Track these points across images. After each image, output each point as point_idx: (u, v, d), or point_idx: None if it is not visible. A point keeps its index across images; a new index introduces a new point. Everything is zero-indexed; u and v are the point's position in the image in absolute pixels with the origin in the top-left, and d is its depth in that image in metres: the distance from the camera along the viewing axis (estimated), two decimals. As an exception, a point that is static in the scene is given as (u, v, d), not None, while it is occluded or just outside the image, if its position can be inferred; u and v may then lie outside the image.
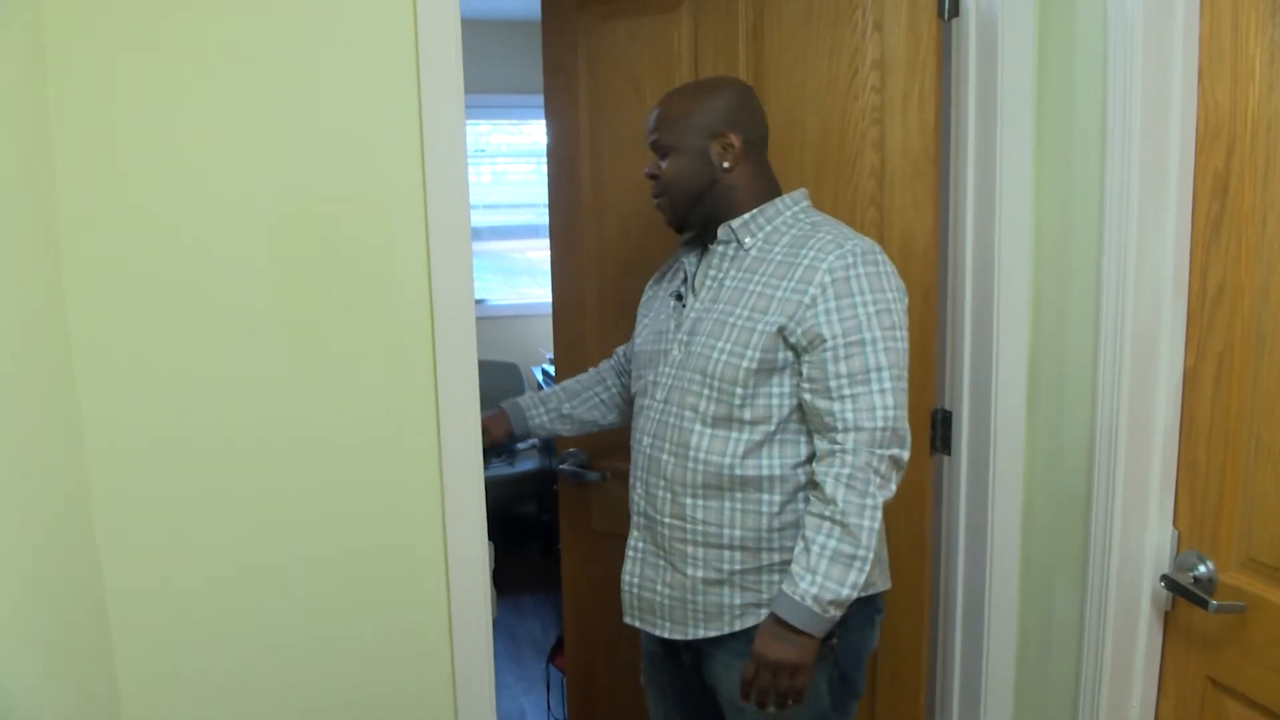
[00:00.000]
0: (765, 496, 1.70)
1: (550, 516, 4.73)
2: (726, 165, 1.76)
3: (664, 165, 1.80)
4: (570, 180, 2.43)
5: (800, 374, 1.67)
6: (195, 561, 1.68)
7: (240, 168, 1.62)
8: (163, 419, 1.63)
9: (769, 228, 1.76)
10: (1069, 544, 1.88)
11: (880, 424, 1.60)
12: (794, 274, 1.67)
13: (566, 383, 2.22)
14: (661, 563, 1.81)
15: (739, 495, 1.71)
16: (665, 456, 1.77)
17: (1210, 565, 1.62)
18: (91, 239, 1.56)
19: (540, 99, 2.47)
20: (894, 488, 1.64)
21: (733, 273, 1.76)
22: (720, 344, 1.70)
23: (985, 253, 1.99)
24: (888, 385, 1.62)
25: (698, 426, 1.72)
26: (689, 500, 1.74)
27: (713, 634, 1.76)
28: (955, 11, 1.98)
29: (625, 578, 1.88)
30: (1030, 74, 1.92)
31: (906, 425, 1.65)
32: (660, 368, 1.81)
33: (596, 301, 2.45)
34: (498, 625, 3.50)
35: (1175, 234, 1.64)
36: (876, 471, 1.60)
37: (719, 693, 1.82)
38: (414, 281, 1.72)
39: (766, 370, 1.67)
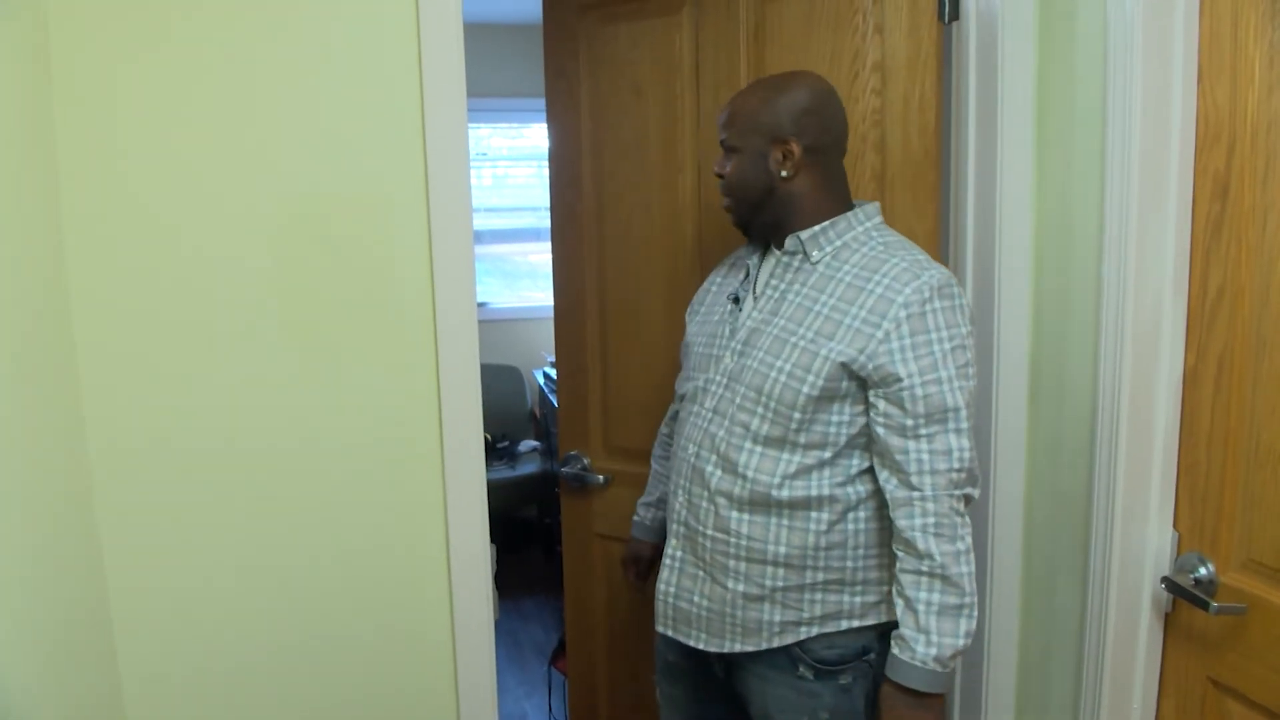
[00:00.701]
0: (814, 514, 1.65)
1: (552, 519, 4.74)
2: (785, 174, 1.69)
3: (728, 165, 1.75)
4: (572, 184, 2.44)
5: (873, 407, 1.61)
6: (197, 562, 1.69)
7: (243, 169, 1.63)
8: (165, 419, 1.64)
9: (838, 243, 1.69)
10: (1070, 545, 1.88)
11: (956, 465, 1.57)
12: (865, 301, 1.60)
13: (658, 465, 2.15)
14: (700, 574, 1.75)
15: (785, 513, 1.66)
16: (710, 469, 1.72)
17: (1211, 567, 1.62)
18: (94, 239, 1.57)
19: (541, 102, 2.47)
20: (970, 527, 1.60)
21: (796, 286, 1.70)
22: (779, 363, 1.64)
23: (986, 255, 2.00)
24: (964, 426, 1.58)
25: (748, 444, 1.67)
26: (734, 514, 1.69)
27: (750, 649, 1.72)
28: (955, 15, 1.98)
29: (661, 586, 1.82)
30: (1030, 76, 1.92)
31: (977, 464, 1.61)
32: (711, 374, 1.76)
33: (598, 305, 2.45)
34: (500, 628, 3.50)
35: (1175, 236, 1.64)
36: (958, 513, 1.57)
37: (750, 704, 1.78)
38: (416, 284, 1.73)
39: (827, 398, 1.62)
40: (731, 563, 1.70)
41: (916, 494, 1.57)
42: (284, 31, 1.62)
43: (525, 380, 5.35)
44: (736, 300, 1.79)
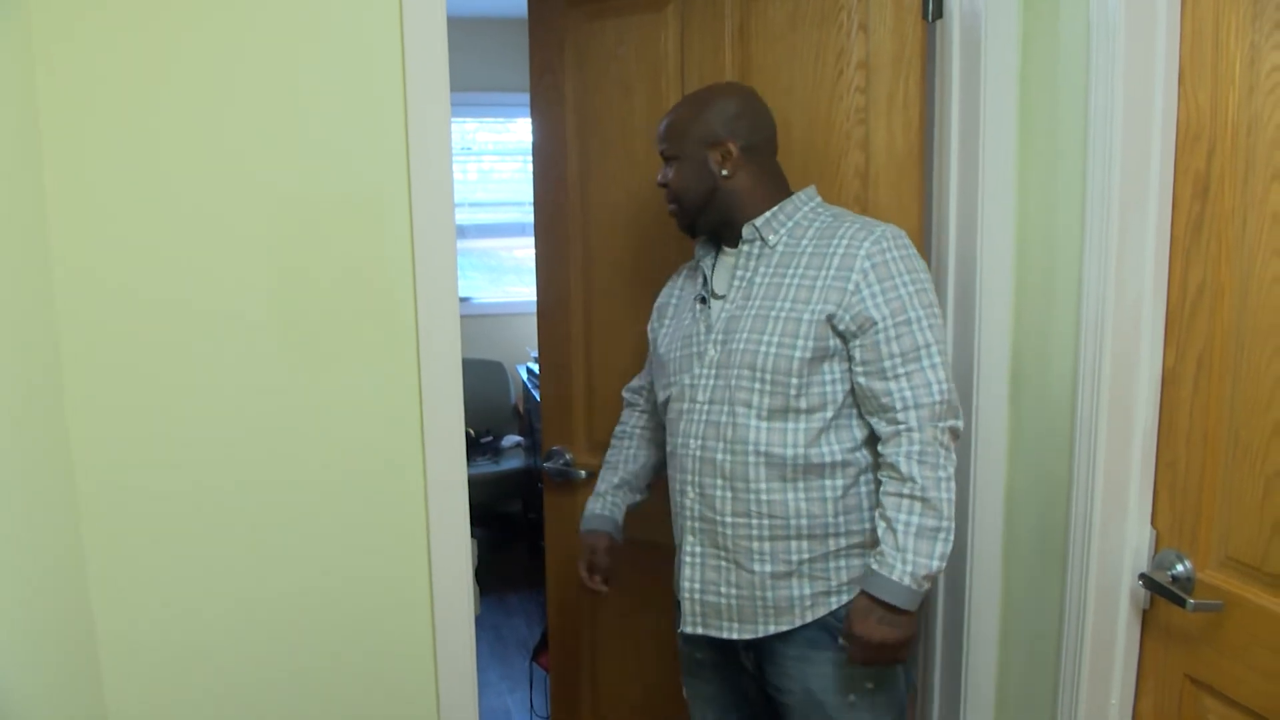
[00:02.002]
0: (828, 482, 1.73)
1: (536, 514, 4.73)
2: (725, 173, 1.80)
3: (670, 173, 1.85)
4: (557, 180, 2.44)
5: (851, 359, 1.71)
6: (182, 555, 1.68)
7: (223, 167, 1.62)
8: (148, 419, 1.63)
9: (790, 224, 1.80)
10: (1050, 542, 1.89)
11: (938, 398, 1.66)
12: (831, 262, 1.71)
13: (609, 457, 2.18)
14: (724, 563, 1.80)
15: (801, 484, 1.73)
16: (720, 455, 1.77)
17: (1188, 564, 1.63)
18: (77, 243, 1.56)
19: (528, 97, 2.47)
20: (954, 456, 1.69)
21: (762, 270, 1.79)
22: (766, 337, 1.72)
23: (968, 251, 2.00)
24: (937, 360, 1.68)
25: (753, 421, 1.73)
26: (751, 495, 1.74)
27: (784, 628, 1.77)
28: (939, 13, 1.99)
29: (685, 584, 1.85)
30: (1014, 75, 1.93)
31: (955, 396, 1.70)
32: (696, 370, 1.82)
33: (582, 301, 2.45)
34: (484, 624, 3.49)
35: (1156, 235, 1.65)
36: (942, 444, 1.66)
37: (788, 691, 1.81)
38: (398, 281, 1.72)
39: (818, 358, 1.70)
40: (755, 544, 1.75)
41: (903, 426, 1.66)
42: (265, 27, 1.61)
43: (509, 375, 5.35)
44: (704, 300, 1.87)
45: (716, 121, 1.81)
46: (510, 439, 5.13)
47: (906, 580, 1.62)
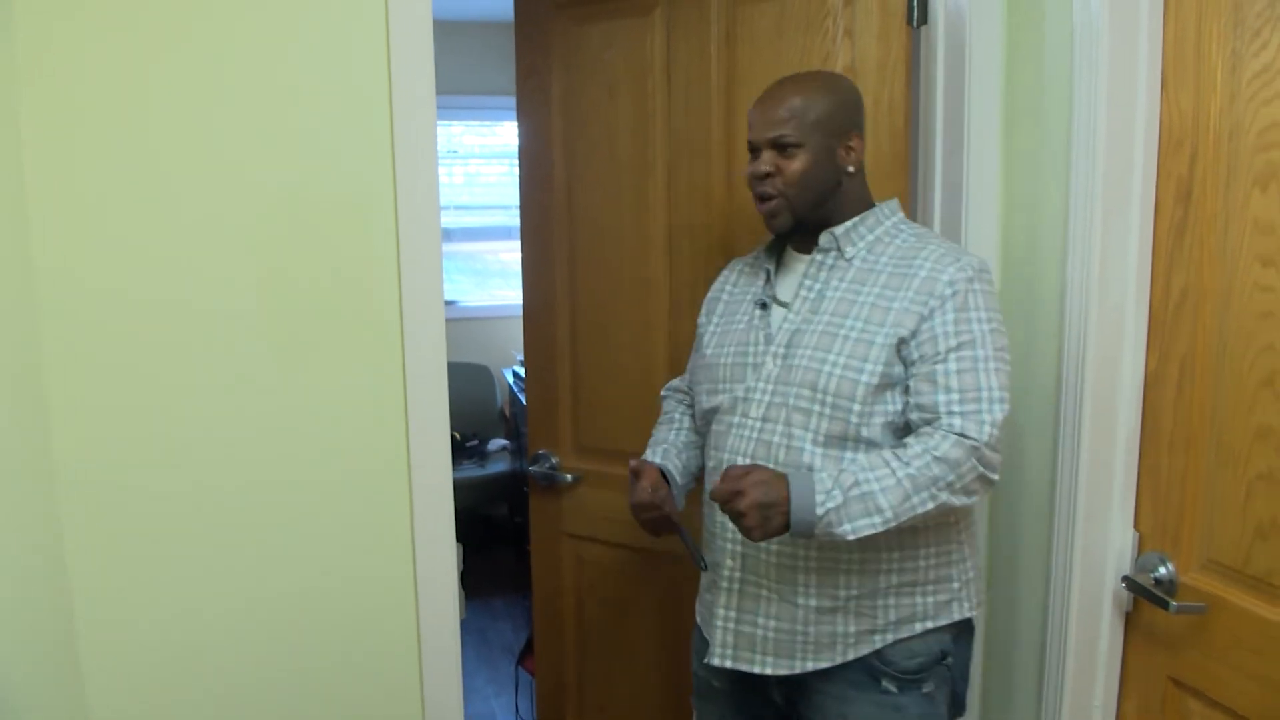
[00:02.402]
0: None
1: (522, 518, 4.72)
2: (851, 170, 1.68)
3: (789, 163, 1.65)
4: (542, 183, 2.44)
5: (907, 389, 1.58)
6: (164, 557, 1.67)
7: (210, 169, 1.62)
8: (132, 419, 1.63)
9: (870, 237, 1.68)
10: (1033, 544, 1.90)
11: (985, 439, 1.50)
12: (911, 284, 1.59)
13: (653, 438, 1.96)
14: (765, 593, 1.66)
15: None
16: None
17: (1171, 566, 1.64)
18: (61, 243, 1.55)
19: (514, 100, 2.47)
20: (966, 503, 1.54)
21: (834, 283, 1.66)
22: (832, 357, 1.59)
23: (953, 257, 2.01)
24: (996, 407, 1.53)
25: (809, 446, 1.60)
26: None
27: (823, 665, 1.64)
28: (924, 19, 2.00)
29: (720, 612, 1.70)
30: (998, 81, 1.94)
31: (999, 452, 1.54)
32: (751, 382, 1.68)
33: (568, 304, 2.45)
34: (470, 628, 3.49)
35: (1139, 239, 1.67)
36: (961, 477, 1.50)
37: None
38: (383, 282, 1.72)
39: (884, 385, 1.57)
40: (801, 576, 1.63)
41: (942, 431, 1.52)
42: (251, 29, 1.61)
43: (495, 379, 5.34)
44: (764, 306, 1.73)
45: (849, 110, 1.68)
46: (496, 443, 5.13)
47: (821, 513, 1.47)
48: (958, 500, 1.52)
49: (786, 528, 1.49)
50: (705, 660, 1.73)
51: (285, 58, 1.64)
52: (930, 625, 1.64)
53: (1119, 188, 1.67)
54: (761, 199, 1.68)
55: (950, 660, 1.67)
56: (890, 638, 1.63)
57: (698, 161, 2.22)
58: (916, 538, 1.62)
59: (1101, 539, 1.73)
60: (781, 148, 1.65)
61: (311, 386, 1.71)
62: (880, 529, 1.48)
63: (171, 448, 1.65)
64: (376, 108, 1.67)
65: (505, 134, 5.45)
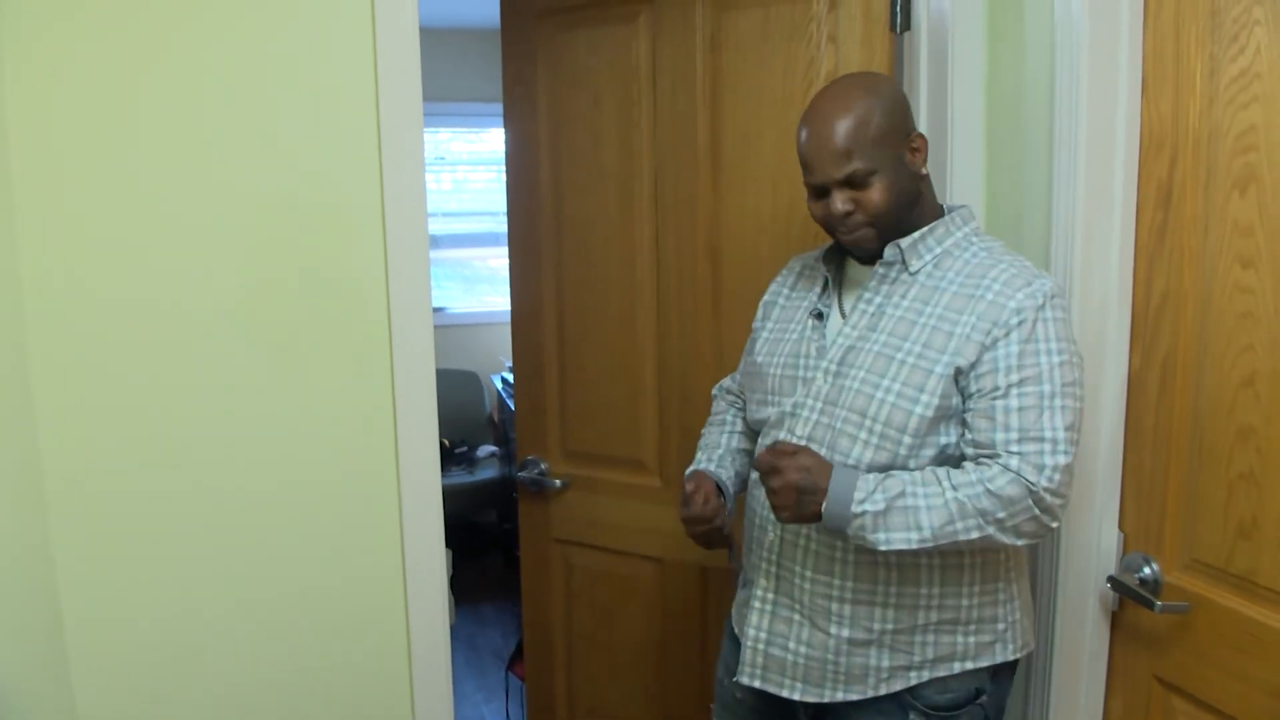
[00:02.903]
0: (924, 557, 1.52)
1: (511, 524, 4.72)
2: (924, 171, 1.57)
3: (866, 193, 1.51)
4: (529, 189, 2.44)
5: (964, 423, 1.48)
6: (151, 561, 1.67)
7: (198, 175, 1.62)
8: (121, 424, 1.62)
9: (939, 249, 1.56)
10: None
11: (1044, 484, 1.40)
12: (976, 308, 1.47)
13: (704, 441, 1.89)
14: (797, 618, 1.59)
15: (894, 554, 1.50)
16: None
17: (1155, 567, 1.65)
18: (48, 248, 1.55)
19: (500, 107, 2.48)
20: (1015, 543, 1.45)
21: (896, 299, 1.55)
22: (886, 382, 1.49)
23: (938, 261, 2.02)
24: (1060, 449, 1.41)
25: None
26: (839, 555, 1.54)
27: (854, 698, 1.57)
28: (907, 25, 2.01)
29: (750, 631, 1.64)
30: (980, 86, 1.96)
31: (1069, 497, 1.45)
32: (801, 398, 1.59)
33: (556, 310, 2.45)
34: (458, 634, 3.49)
35: (1121, 242, 1.68)
36: (1014, 517, 1.41)
37: None
38: (372, 290, 1.72)
39: (939, 418, 1.48)
40: (835, 605, 1.56)
41: (1006, 469, 1.42)
42: (238, 35, 1.61)
43: (484, 385, 5.34)
44: (820, 316, 1.64)
45: (900, 115, 1.55)
46: (485, 449, 5.13)
47: (859, 514, 1.40)
48: (1006, 539, 1.43)
49: (819, 517, 1.44)
50: (735, 679, 1.67)
51: (272, 64, 1.64)
52: (970, 666, 1.56)
53: (1100, 191, 1.68)
54: (848, 232, 1.56)
55: (985, 699, 1.58)
56: (926, 675, 1.56)
57: (684, 167, 2.23)
58: (961, 574, 1.54)
59: (1087, 540, 1.74)
60: (856, 181, 1.52)
61: (301, 393, 1.71)
62: (916, 546, 1.41)
63: (159, 452, 1.65)
64: (363, 114, 1.68)
65: (492, 140, 5.45)
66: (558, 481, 2.49)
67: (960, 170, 1.97)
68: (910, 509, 1.41)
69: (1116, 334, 1.70)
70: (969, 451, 1.47)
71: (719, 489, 1.74)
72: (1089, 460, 1.72)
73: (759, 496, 1.64)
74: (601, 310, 2.38)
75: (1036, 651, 1.83)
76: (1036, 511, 1.41)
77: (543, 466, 2.53)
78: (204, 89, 1.61)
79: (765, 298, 1.81)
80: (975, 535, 1.41)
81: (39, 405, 1.58)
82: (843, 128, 1.50)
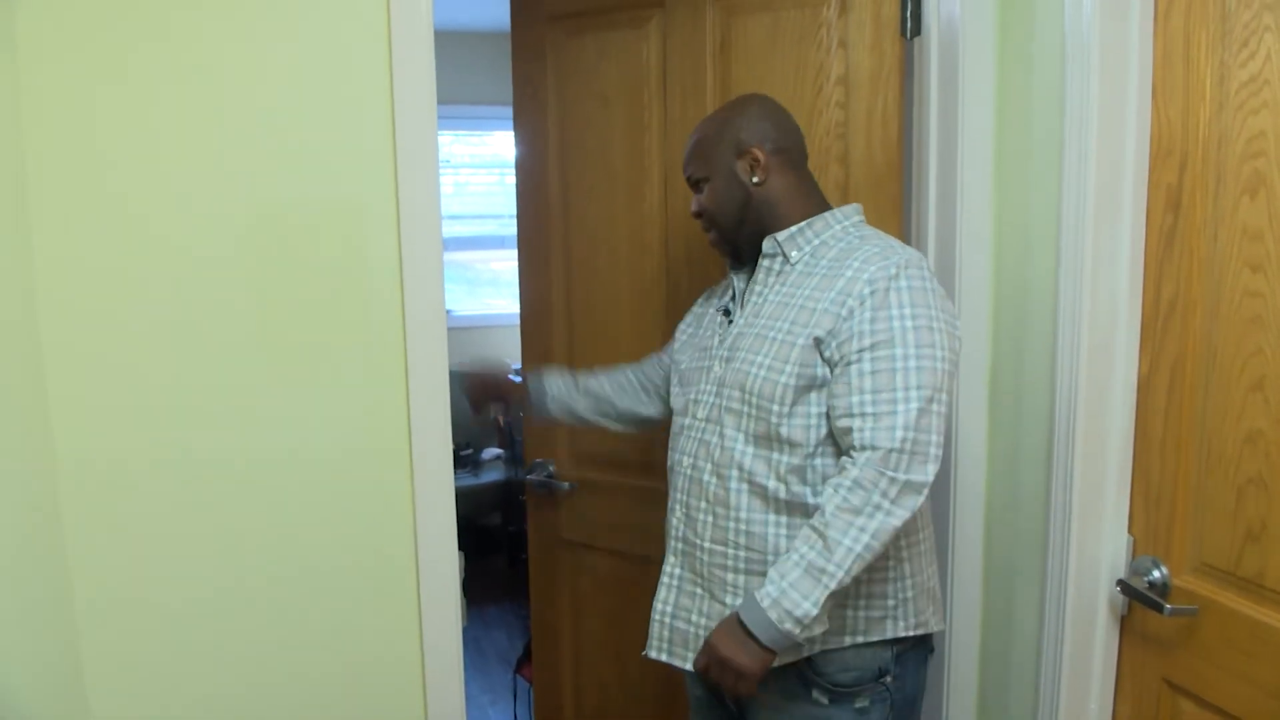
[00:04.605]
0: None
1: (516, 527, 4.74)
2: (756, 180, 1.71)
3: (702, 198, 1.77)
4: (538, 193, 2.45)
5: (829, 392, 1.57)
6: (168, 561, 1.68)
7: (213, 180, 1.62)
8: (135, 423, 1.63)
9: (816, 241, 1.69)
10: (1029, 549, 1.91)
11: (897, 444, 1.48)
12: (836, 284, 1.59)
13: (605, 371, 2.10)
14: (699, 591, 1.70)
15: (784, 519, 1.60)
16: (707, 477, 1.68)
17: (1164, 570, 1.66)
18: (65, 253, 1.56)
19: (503, 110, 2.49)
20: (902, 514, 1.48)
21: (777, 287, 1.69)
22: (759, 358, 1.63)
23: (946, 264, 2.03)
24: (914, 406, 1.49)
25: (739, 445, 1.64)
26: (732, 523, 1.64)
27: None
28: (917, 30, 2.02)
29: (658, 606, 1.75)
30: (990, 91, 1.97)
31: (932, 449, 1.50)
32: (701, 384, 1.74)
33: (565, 312, 2.46)
34: (465, 636, 3.50)
35: (1130, 247, 1.69)
36: (882, 492, 1.47)
37: None
38: (387, 292, 1.73)
39: (804, 387, 1.58)
40: (730, 576, 1.65)
41: (849, 462, 1.51)
42: (255, 37, 1.62)
43: (489, 388, 5.33)
44: (727, 313, 1.78)
45: (741, 129, 1.72)
46: (490, 452, 5.13)
47: (766, 603, 1.47)
48: (893, 520, 1.47)
49: (769, 651, 1.50)
50: (643, 652, 1.78)
51: (288, 67, 1.65)
52: (861, 640, 1.62)
53: (1110, 197, 1.69)
54: (704, 230, 1.81)
55: (889, 679, 1.64)
56: (818, 647, 1.61)
57: (693, 171, 2.23)
58: None
59: (1096, 543, 1.75)
60: (696, 186, 1.78)
61: (315, 393, 1.72)
62: (837, 586, 1.46)
63: (172, 452, 1.66)
64: (378, 117, 1.69)
65: (495, 144, 5.46)
66: (567, 484, 2.50)
67: (969, 175, 1.98)
68: (805, 566, 1.48)
69: (1126, 338, 1.71)
70: (837, 425, 1.55)
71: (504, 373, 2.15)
72: (1098, 464, 1.73)
73: (671, 484, 1.79)
74: (610, 312, 2.39)
75: (1045, 653, 1.84)
76: (894, 475, 1.48)
77: (551, 469, 2.54)
78: (219, 92, 1.62)
79: (687, 318, 1.97)
80: (867, 538, 1.47)
81: (54, 406, 1.59)
82: (694, 138, 1.79)
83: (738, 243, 1.76)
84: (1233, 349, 1.53)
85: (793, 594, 1.47)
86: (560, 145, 2.41)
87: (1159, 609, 1.61)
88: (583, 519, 2.51)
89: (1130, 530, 1.74)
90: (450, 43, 4.90)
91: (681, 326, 1.95)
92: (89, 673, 1.65)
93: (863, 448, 1.50)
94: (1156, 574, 1.67)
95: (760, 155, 1.71)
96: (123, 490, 1.64)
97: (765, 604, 1.48)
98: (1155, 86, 1.65)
